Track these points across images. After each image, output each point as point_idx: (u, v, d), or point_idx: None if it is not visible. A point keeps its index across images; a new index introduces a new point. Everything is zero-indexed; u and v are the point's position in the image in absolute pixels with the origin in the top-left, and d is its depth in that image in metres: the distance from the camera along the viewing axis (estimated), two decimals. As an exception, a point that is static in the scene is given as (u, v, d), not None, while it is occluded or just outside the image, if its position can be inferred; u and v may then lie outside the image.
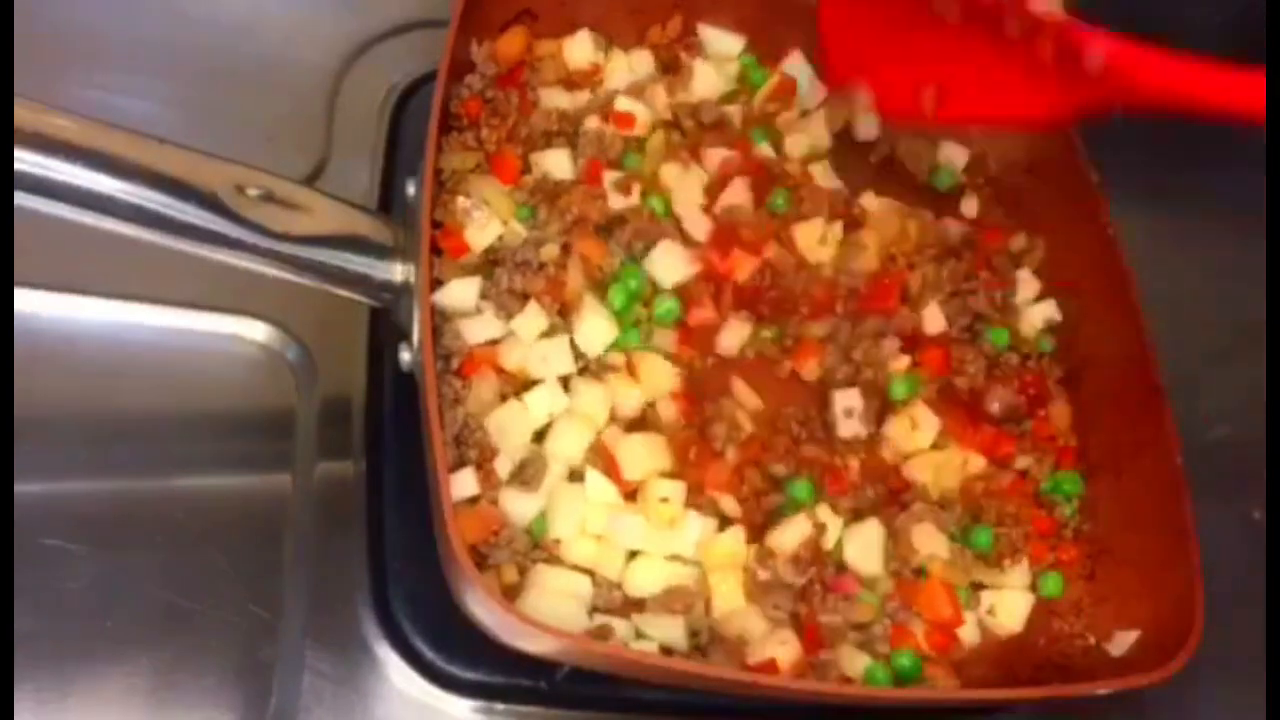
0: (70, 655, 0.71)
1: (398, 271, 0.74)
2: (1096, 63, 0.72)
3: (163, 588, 0.74)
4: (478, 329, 0.76)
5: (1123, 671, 0.73)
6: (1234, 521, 0.95)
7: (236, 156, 0.70)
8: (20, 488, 0.72)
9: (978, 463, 0.84)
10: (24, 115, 0.63)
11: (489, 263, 0.79)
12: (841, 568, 0.78)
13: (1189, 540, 0.77)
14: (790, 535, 0.77)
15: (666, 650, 0.71)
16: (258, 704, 0.72)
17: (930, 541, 0.79)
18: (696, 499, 0.76)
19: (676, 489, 0.74)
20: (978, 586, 0.81)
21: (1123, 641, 0.78)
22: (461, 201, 0.79)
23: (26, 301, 0.80)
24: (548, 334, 0.77)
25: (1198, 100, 0.69)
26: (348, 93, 0.97)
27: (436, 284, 0.75)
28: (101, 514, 0.76)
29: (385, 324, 0.82)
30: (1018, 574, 0.82)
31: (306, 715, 0.72)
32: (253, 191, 0.69)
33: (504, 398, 0.75)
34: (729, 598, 0.74)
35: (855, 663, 0.75)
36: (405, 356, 0.73)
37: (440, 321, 0.75)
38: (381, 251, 0.74)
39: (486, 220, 0.79)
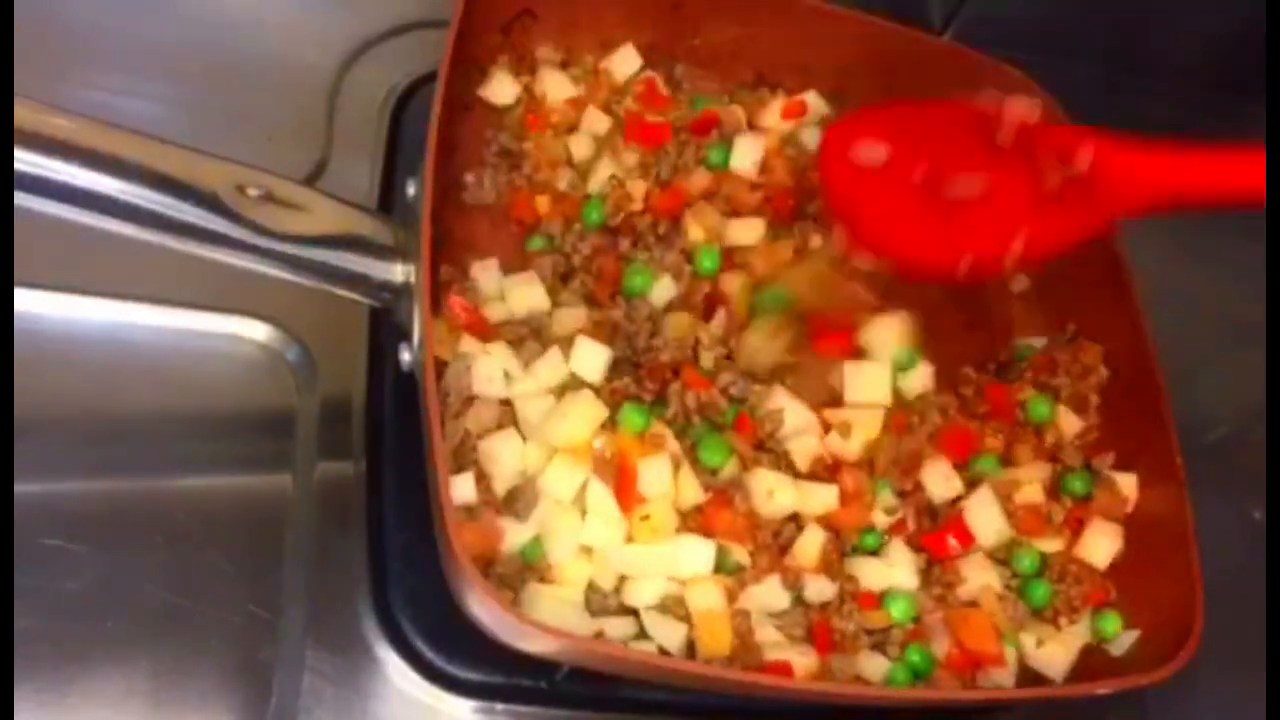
0: (70, 655, 0.70)
1: (398, 271, 0.74)
2: (1084, 164, 0.72)
3: (163, 588, 0.74)
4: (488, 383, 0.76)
5: (1123, 671, 0.74)
6: (1234, 521, 0.95)
7: (236, 156, 0.70)
8: (20, 488, 0.72)
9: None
10: (24, 115, 0.63)
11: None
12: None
13: (1189, 540, 0.77)
14: (810, 545, 0.76)
15: (666, 651, 0.71)
16: (258, 704, 0.72)
17: (979, 575, 0.79)
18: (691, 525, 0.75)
19: (663, 505, 0.73)
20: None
21: (1123, 641, 0.78)
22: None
23: (26, 301, 0.80)
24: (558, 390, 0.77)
25: (1198, 189, 0.70)
26: (348, 93, 0.97)
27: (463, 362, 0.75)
28: (101, 514, 0.75)
29: (385, 324, 0.82)
30: (1072, 632, 0.80)
31: (306, 715, 0.72)
32: (253, 191, 0.69)
33: (501, 425, 0.75)
34: (715, 642, 0.72)
35: (872, 666, 0.74)
36: (405, 356, 0.73)
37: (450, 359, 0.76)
38: (381, 251, 0.74)
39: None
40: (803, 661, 0.72)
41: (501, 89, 0.90)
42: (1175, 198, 0.71)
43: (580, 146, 0.89)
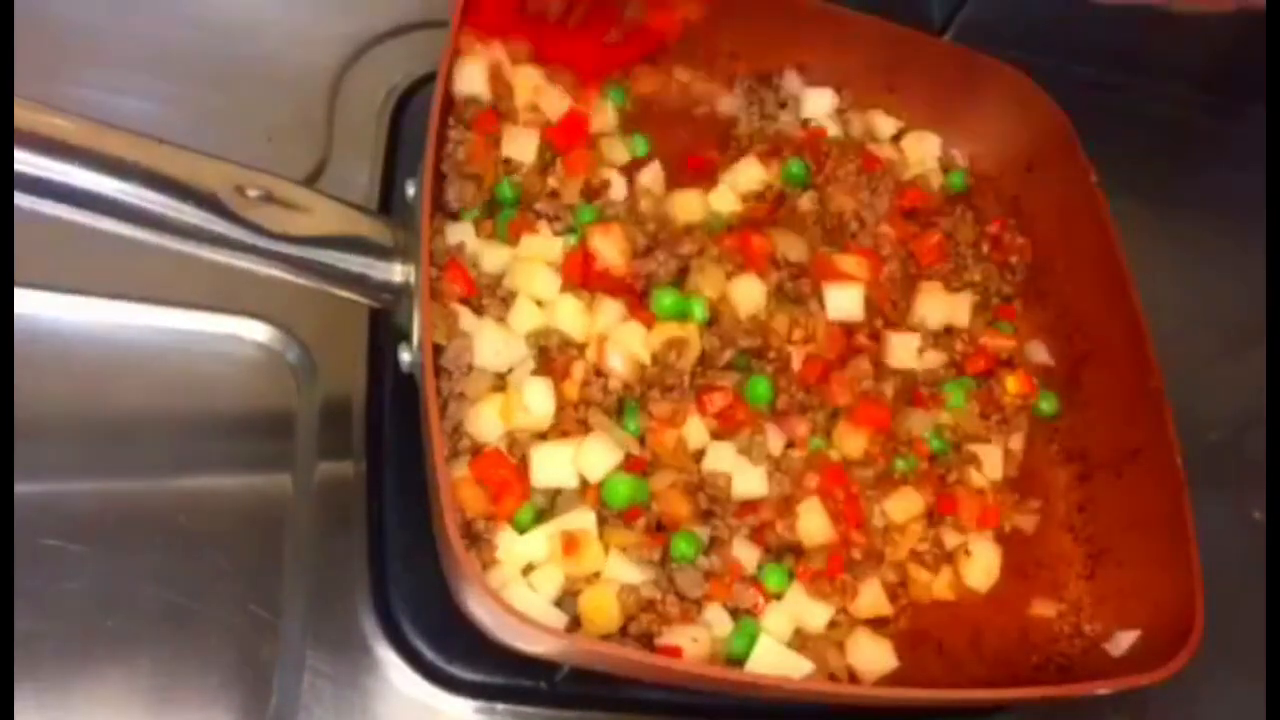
0: (70, 655, 0.71)
1: (397, 272, 0.74)
2: None
3: (163, 588, 0.74)
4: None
5: (1123, 671, 0.74)
6: (1234, 521, 0.95)
7: (236, 156, 0.70)
8: (20, 488, 0.72)
9: None
10: (24, 115, 0.63)
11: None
12: None
13: (1189, 540, 0.77)
14: None
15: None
16: (258, 704, 0.72)
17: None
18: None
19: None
20: None
21: (1123, 641, 0.79)
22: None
23: (26, 301, 0.80)
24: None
25: None
26: (348, 93, 0.97)
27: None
28: (101, 514, 0.76)
29: (385, 324, 0.82)
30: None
31: (306, 715, 0.72)
32: (253, 192, 0.69)
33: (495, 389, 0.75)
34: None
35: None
36: (405, 357, 0.73)
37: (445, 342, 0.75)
38: (381, 252, 0.74)
39: None
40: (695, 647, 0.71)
41: (470, 79, 0.86)
42: None
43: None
